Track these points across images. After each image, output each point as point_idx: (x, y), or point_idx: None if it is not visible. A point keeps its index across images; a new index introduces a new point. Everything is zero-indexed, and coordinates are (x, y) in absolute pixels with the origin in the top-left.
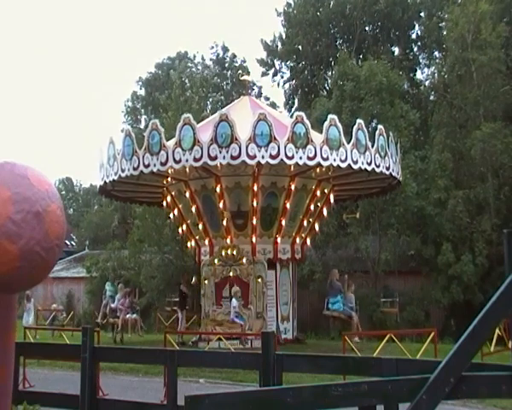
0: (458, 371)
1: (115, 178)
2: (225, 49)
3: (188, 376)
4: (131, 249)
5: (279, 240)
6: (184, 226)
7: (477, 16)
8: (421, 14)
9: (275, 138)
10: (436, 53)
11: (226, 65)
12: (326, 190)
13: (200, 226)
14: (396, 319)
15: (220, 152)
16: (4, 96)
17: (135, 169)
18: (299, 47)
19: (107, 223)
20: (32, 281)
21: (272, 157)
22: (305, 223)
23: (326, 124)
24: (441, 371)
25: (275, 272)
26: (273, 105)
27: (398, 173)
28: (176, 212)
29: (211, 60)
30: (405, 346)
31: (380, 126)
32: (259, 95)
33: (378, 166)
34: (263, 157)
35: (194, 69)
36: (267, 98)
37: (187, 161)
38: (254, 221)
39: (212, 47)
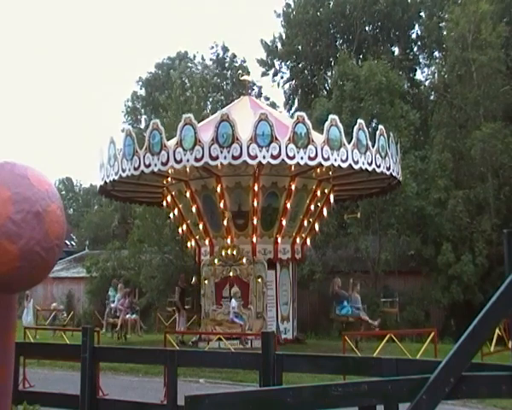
0: (458, 371)
1: (116, 177)
2: (225, 49)
3: (188, 376)
4: (131, 249)
5: (279, 240)
6: (184, 226)
7: (477, 16)
8: (421, 14)
9: (276, 138)
10: (436, 53)
11: (226, 65)
12: (326, 190)
13: (201, 226)
14: (396, 319)
15: (221, 152)
16: (4, 97)
17: (136, 169)
18: (299, 47)
19: (107, 223)
20: (32, 281)
21: (273, 157)
22: (306, 223)
23: (327, 124)
24: (441, 371)
25: (275, 272)
26: (273, 105)
27: (398, 173)
28: (176, 212)
29: (211, 60)
30: (405, 346)
31: (380, 127)
32: (259, 95)
33: (379, 167)
34: (264, 157)
35: (194, 69)
36: (267, 98)
37: (188, 160)
38: (255, 221)
39: (212, 47)
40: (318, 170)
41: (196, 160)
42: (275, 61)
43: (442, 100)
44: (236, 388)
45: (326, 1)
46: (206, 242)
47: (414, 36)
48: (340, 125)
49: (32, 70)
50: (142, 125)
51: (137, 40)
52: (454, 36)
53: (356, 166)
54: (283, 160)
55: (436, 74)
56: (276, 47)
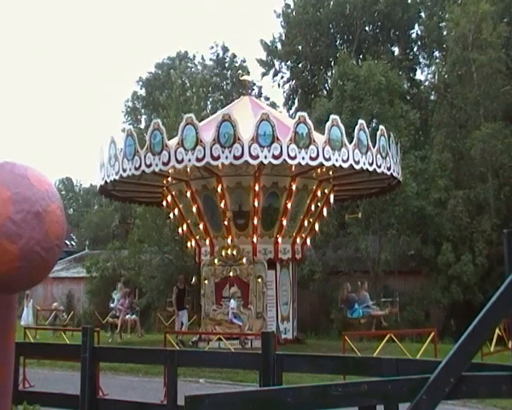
0: (458, 371)
1: (116, 177)
2: (225, 49)
3: (188, 376)
4: (131, 249)
5: (280, 240)
6: (185, 226)
7: (478, 16)
8: (421, 14)
9: (277, 138)
10: (436, 53)
11: (226, 65)
12: (326, 191)
13: (201, 226)
14: (396, 319)
15: (223, 152)
16: (5, 97)
17: (136, 169)
18: (299, 47)
19: (107, 223)
20: (32, 281)
21: (275, 157)
22: (306, 223)
23: (328, 124)
24: (441, 371)
25: (275, 272)
26: (273, 105)
27: (398, 174)
28: (176, 212)
29: (211, 60)
30: (405, 346)
31: (381, 127)
32: (259, 95)
33: (379, 167)
34: (265, 157)
35: (194, 69)
36: (267, 98)
37: (189, 160)
38: (255, 221)
39: (212, 47)
40: (319, 170)
41: (198, 160)
42: (275, 61)
43: (442, 100)
44: (236, 388)
45: (326, 1)
46: (207, 242)
47: (414, 36)
48: (341, 125)
49: (32, 70)
50: (143, 126)
51: (137, 40)
52: (454, 36)
53: (357, 167)
54: (285, 160)
55: (436, 74)
56: (276, 47)
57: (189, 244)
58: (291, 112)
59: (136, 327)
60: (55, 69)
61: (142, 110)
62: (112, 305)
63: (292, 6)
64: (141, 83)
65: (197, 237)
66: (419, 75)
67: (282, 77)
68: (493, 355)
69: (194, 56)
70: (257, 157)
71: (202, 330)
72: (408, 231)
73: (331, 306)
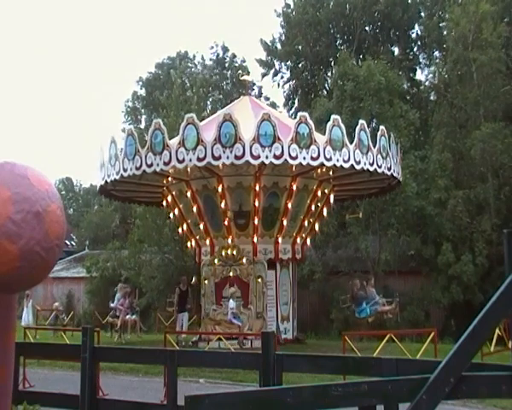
0: (458, 371)
1: (117, 177)
2: (225, 49)
3: (188, 376)
4: (131, 249)
5: (280, 240)
6: (185, 226)
7: (478, 16)
8: (422, 14)
9: (279, 138)
10: (436, 53)
11: (226, 65)
12: (326, 191)
13: (201, 226)
14: (396, 319)
15: (224, 152)
16: (5, 97)
17: (137, 169)
18: (299, 47)
19: (107, 223)
20: (32, 281)
21: (276, 157)
22: (306, 223)
23: (329, 124)
24: (441, 371)
25: (275, 272)
26: (273, 105)
27: (398, 174)
28: (176, 212)
29: (211, 60)
30: (405, 346)
31: (382, 127)
32: (259, 95)
33: (380, 167)
34: (267, 157)
35: (194, 69)
36: (267, 98)
37: (190, 160)
38: (256, 221)
39: (212, 47)
40: (319, 170)
41: (199, 159)
42: (275, 61)
43: (442, 100)
44: (236, 388)
45: (326, 1)
46: (207, 242)
47: (414, 36)
48: (342, 125)
49: (32, 70)
50: (143, 126)
51: (137, 40)
52: (454, 36)
53: (358, 167)
54: (286, 160)
55: (436, 74)
56: (276, 47)
57: (189, 244)
58: (291, 112)
59: (136, 327)
60: (55, 69)
61: (142, 110)
62: (112, 305)
63: (292, 6)
64: (141, 83)
65: (197, 237)
66: (419, 75)
67: (282, 77)
68: (493, 355)
69: (194, 56)
70: (258, 157)
71: (202, 330)
72: (408, 231)
73: (331, 306)
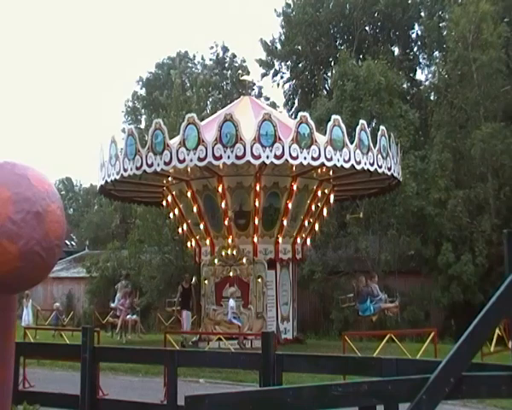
0: (458, 371)
1: (117, 177)
2: (225, 49)
3: (188, 376)
4: (131, 249)
5: (280, 240)
6: (185, 226)
7: (478, 16)
8: (422, 14)
9: (279, 138)
10: (436, 53)
11: (226, 65)
12: (326, 191)
13: (202, 226)
14: (396, 319)
15: (225, 152)
16: (5, 96)
17: (138, 169)
18: (299, 47)
19: (107, 223)
20: (32, 281)
21: (277, 157)
22: (306, 223)
23: (330, 124)
24: (441, 371)
25: (275, 272)
26: (273, 105)
27: (398, 174)
28: (176, 212)
29: (211, 60)
30: (405, 346)
31: (382, 127)
32: (259, 95)
33: (380, 167)
34: (267, 157)
35: (194, 69)
36: (267, 98)
37: (191, 160)
38: (256, 221)
39: (212, 47)
40: (319, 170)
41: (200, 159)
42: (275, 61)
43: (442, 100)
44: (236, 388)
45: (326, 1)
46: (207, 242)
47: (414, 36)
48: (342, 125)
49: (32, 70)
50: (143, 125)
51: (137, 40)
52: (454, 36)
53: (358, 167)
54: (287, 160)
55: (436, 74)
56: (276, 47)
57: (189, 244)
58: (291, 112)
59: (136, 327)
60: (55, 69)
61: (143, 110)
62: (112, 305)
63: (292, 6)
64: (141, 83)
65: (197, 237)
66: (419, 75)
67: (282, 77)
68: (493, 355)
69: (194, 56)
70: (259, 157)
71: (202, 331)
72: (408, 231)
73: (331, 306)
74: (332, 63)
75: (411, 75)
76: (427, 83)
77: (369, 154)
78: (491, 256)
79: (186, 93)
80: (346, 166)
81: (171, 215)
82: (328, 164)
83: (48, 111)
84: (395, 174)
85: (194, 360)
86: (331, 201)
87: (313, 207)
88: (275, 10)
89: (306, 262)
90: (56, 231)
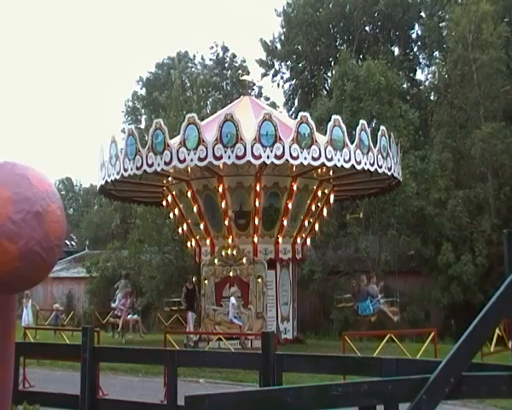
0: (458, 371)
1: (117, 177)
2: (225, 49)
3: (188, 376)
4: (131, 249)
5: (280, 240)
6: (185, 226)
7: (478, 16)
8: (422, 14)
9: (280, 138)
10: (436, 53)
11: (226, 65)
12: (326, 191)
13: (202, 226)
14: (396, 320)
15: (225, 152)
16: (5, 96)
17: (138, 168)
18: (299, 47)
19: (107, 223)
20: (32, 281)
21: (277, 157)
22: (306, 223)
23: (330, 124)
24: (441, 371)
25: (275, 272)
26: (273, 105)
27: (398, 174)
28: (176, 211)
29: (211, 60)
30: (405, 346)
31: (382, 127)
32: (259, 95)
33: (380, 167)
34: (268, 157)
35: (194, 69)
36: (267, 98)
37: (191, 160)
38: (256, 221)
39: (212, 47)
40: (319, 170)
41: (200, 159)
42: (275, 61)
43: (442, 100)
44: (236, 388)
45: (326, 1)
46: (207, 242)
47: (414, 36)
48: (342, 125)
49: (32, 70)
50: (143, 125)
51: (137, 40)
52: (454, 36)
53: (358, 167)
54: (287, 160)
55: (436, 74)
56: (276, 47)
57: (189, 244)
58: (291, 112)
59: (137, 327)
60: (55, 69)
61: (143, 110)
62: (113, 305)
63: (292, 6)
64: (141, 83)
65: (197, 237)
66: (419, 75)
67: (282, 77)
68: (493, 355)
69: (194, 56)
70: (259, 157)
71: (202, 330)
72: (408, 231)
73: (331, 306)
74: (332, 63)
75: (411, 75)
76: (427, 83)
77: (370, 154)
78: (491, 256)
79: (186, 93)
80: (347, 166)
81: (171, 215)
82: (329, 164)
83: (48, 111)
84: (395, 174)
85: (194, 360)
86: (331, 201)
87: (313, 207)
88: (275, 10)
89: (306, 262)
90: (56, 231)
